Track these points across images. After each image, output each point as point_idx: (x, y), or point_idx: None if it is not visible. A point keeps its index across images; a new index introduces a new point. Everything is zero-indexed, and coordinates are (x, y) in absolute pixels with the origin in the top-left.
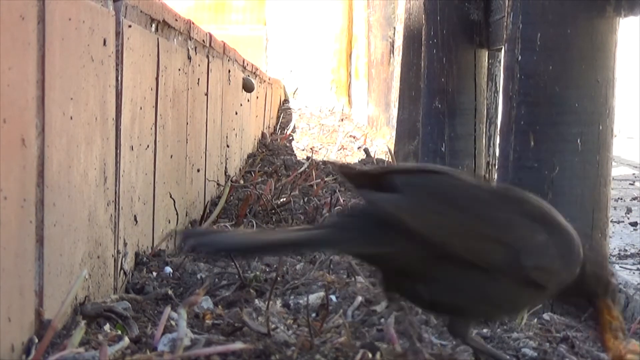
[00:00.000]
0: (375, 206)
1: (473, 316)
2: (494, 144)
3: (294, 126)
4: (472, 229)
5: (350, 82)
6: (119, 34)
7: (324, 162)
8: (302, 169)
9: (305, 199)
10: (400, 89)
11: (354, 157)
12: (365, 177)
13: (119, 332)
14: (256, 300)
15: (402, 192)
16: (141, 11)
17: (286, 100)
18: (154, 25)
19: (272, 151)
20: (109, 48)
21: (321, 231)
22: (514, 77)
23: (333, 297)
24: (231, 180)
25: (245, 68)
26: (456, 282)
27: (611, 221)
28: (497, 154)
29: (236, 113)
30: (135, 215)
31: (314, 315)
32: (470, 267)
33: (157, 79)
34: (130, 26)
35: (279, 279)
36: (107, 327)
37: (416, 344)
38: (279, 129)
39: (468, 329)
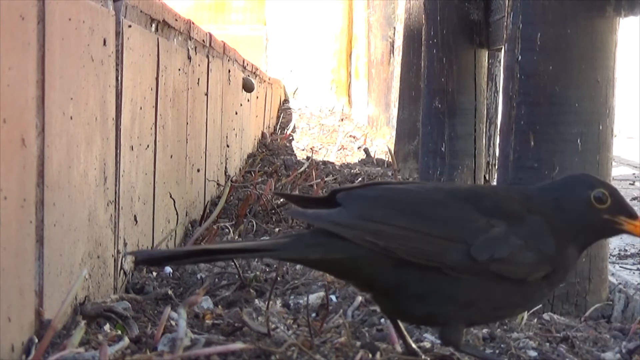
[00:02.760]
0: (313, 223)
1: (457, 322)
2: (494, 144)
3: (294, 126)
4: (416, 230)
5: (350, 82)
6: (119, 34)
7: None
8: (302, 169)
9: None
10: (400, 89)
11: (354, 157)
12: (311, 201)
13: (119, 332)
14: (256, 300)
15: (342, 206)
16: (141, 11)
17: (286, 100)
18: (154, 25)
19: (272, 151)
20: (109, 48)
21: (273, 241)
22: (514, 77)
23: (333, 297)
24: (231, 180)
25: (245, 68)
26: (419, 288)
27: None
28: (497, 154)
29: (236, 113)
30: (135, 215)
31: (314, 315)
32: (427, 270)
33: (157, 79)
34: (130, 26)
35: (279, 279)
36: (107, 327)
37: (412, 345)
38: (279, 129)
39: (460, 336)
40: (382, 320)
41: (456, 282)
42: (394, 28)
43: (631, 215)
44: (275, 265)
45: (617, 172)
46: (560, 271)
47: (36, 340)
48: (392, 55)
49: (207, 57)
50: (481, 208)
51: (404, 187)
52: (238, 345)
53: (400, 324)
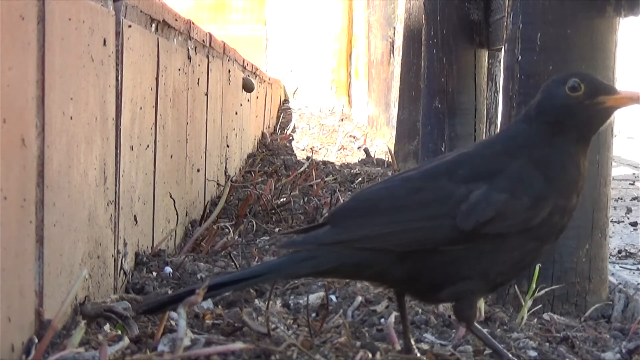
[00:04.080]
0: (301, 249)
1: (475, 296)
2: None
3: (294, 126)
4: (399, 222)
5: (350, 82)
6: (119, 34)
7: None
8: (302, 169)
9: (305, 199)
10: (400, 89)
11: (354, 157)
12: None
13: (119, 332)
14: (256, 300)
15: (328, 223)
16: (141, 11)
17: (286, 100)
18: (154, 25)
19: (272, 151)
20: (109, 48)
21: (276, 262)
22: (514, 77)
23: (333, 297)
24: (231, 180)
25: (245, 68)
26: (431, 275)
27: (611, 221)
28: None
29: (236, 113)
30: (135, 215)
31: (314, 315)
32: (430, 255)
33: (157, 79)
34: (130, 26)
35: None
36: (107, 327)
37: (410, 341)
38: (279, 129)
39: (474, 312)
40: (382, 320)
41: (463, 259)
42: (394, 28)
43: (609, 91)
44: None
45: (617, 172)
46: (572, 196)
47: (36, 340)
48: (392, 55)
49: (207, 57)
50: (456, 177)
51: (381, 185)
52: (238, 345)
53: (405, 311)
